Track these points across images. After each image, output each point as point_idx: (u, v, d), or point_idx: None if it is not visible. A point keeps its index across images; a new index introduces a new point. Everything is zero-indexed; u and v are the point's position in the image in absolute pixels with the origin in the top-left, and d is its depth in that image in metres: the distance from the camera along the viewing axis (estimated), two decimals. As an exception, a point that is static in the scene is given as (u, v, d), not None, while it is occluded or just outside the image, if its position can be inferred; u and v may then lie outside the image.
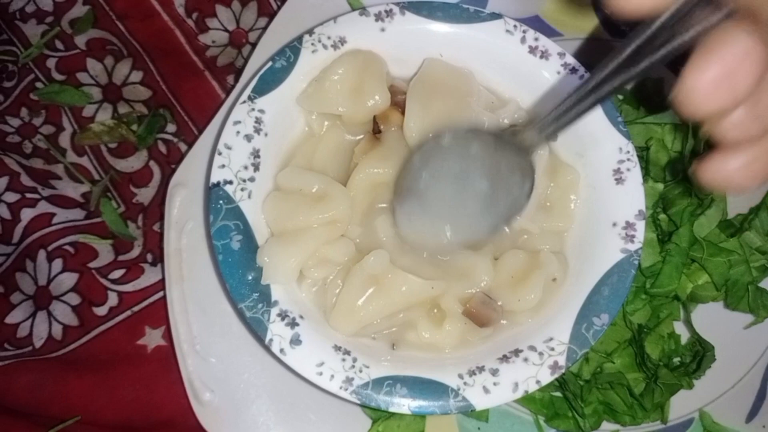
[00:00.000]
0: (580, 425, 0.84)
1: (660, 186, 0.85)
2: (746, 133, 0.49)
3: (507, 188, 0.71)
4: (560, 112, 0.60)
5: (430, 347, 0.75)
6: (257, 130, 0.77)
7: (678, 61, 0.89)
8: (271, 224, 0.76)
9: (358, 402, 0.70)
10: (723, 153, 0.50)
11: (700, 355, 0.85)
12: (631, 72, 0.52)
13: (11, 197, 0.95)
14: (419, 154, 0.73)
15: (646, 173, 0.85)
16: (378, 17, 0.81)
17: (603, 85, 0.54)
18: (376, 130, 0.79)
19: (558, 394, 0.86)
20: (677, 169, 0.86)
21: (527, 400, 0.85)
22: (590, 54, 0.88)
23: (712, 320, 0.88)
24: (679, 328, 0.87)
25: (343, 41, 0.80)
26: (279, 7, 0.95)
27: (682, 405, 0.87)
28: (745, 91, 0.46)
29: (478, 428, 0.86)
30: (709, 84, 0.45)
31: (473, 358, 0.73)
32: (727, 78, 0.45)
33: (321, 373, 0.71)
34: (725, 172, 0.50)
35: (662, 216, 0.86)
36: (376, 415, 0.84)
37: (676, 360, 0.86)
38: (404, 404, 0.70)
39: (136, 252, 0.95)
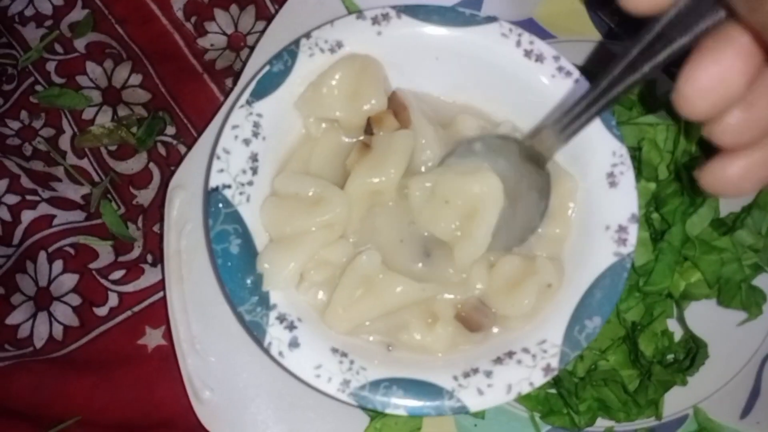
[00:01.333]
0: (575, 422, 0.85)
1: (652, 185, 0.86)
2: (743, 138, 0.50)
3: (525, 208, 0.76)
4: (571, 118, 0.65)
5: (423, 349, 0.76)
6: (255, 134, 0.78)
7: (672, 63, 0.90)
8: (269, 229, 0.77)
9: (356, 404, 0.72)
10: (722, 158, 0.52)
11: (693, 351, 0.85)
12: (637, 74, 0.55)
13: (11, 199, 0.96)
14: (452, 158, 0.77)
15: (638, 173, 0.85)
16: (374, 21, 0.81)
17: (612, 88, 0.58)
18: (369, 132, 0.79)
19: (553, 391, 0.87)
20: (669, 169, 0.87)
21: (523, 397, 0.86)
22: (584, 56, 0.89)
23: (705, 317, 0.88)
24: (673, 325, 0.88)
25: (339, 45, 0.81)
26: (276, 11, 0.96)
27: (676, 401, 0.88)
28: (737, 92, 0.48)
29: (475, 425, 0.87)
30: (702, 85, 0.47)
31: (468, 360, 0.74)
32: (720, 79, 0.47)
33: (319, 376, 0.72)
34: (724, 177, 0.52)
35: (655, 215, 0.86)
36: (374, 412, 0.85)
37: (670, 357, 0.87)
38: (400, 406, 0.71)
39: (136, 253, 0.96)
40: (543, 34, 0.93)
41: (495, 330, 0.77)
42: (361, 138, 0.80)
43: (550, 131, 0.68)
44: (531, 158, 0.73)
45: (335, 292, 0.75)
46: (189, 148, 0.94)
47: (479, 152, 0.77)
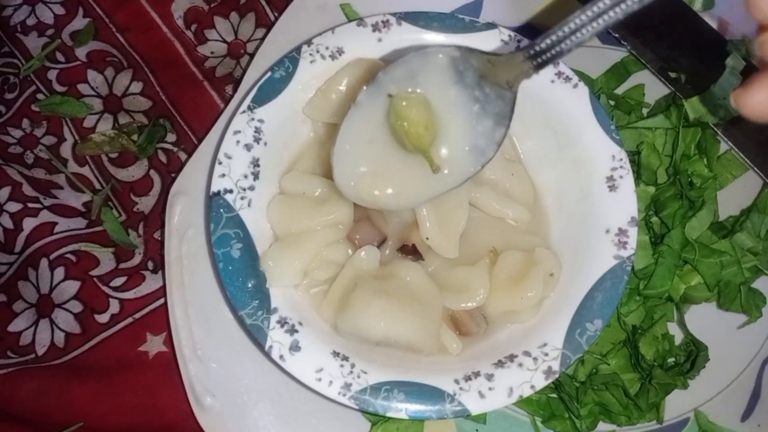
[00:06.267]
0: (577, 426, 0.85)
1: (652, 189, 0.86)
2: None
3: (474, 137, 0.68)
4: (555, 40, 0.61)
5: (408, 347, 0.76)
6: (257, 140, 0.79)
7: (667, 67, 0.91)
8: (275, 227, 0.78)
9: (357, 407, 0.72)
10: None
11: (693, 355, 0.86)
12: (618, 14, 0.56)
13: (13, 207, 0.96)
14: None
15: (638, 177, 0.86)
16: (375, 28, 0.82)
17: (604, 14, 0.57)
18: None
19: (554, 395, 0.87)
20: (668, 173, 0.87)
21: (524, 401, 0.86)
22: (582, 61, 0.89)
23: (706, 321, 0.89)
24: (673, 328, 0.88)
25: (340, 51, 0.81)
26: (276, 19, 0.96)
27: (677, 405, 0.88)
28: None
29: (476, 430, 0.87)
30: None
31: (469, 363, 0.75)
32: None
33: (320, 379, 0.72)
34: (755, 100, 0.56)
35: (654, 219, 0.87)
36: (375, 418, 0.85)
37: (671, 360, 0.87)
38: (402, 409, 0.72)
39: (137, 260, 0.96)
40: (541, 39, 0.94)
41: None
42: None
43: (522, 55, 0.63)
44: (495, 82, 0.66)
45: (332, 286, 0.76)
46: (189, 155, 0.94)
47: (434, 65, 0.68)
